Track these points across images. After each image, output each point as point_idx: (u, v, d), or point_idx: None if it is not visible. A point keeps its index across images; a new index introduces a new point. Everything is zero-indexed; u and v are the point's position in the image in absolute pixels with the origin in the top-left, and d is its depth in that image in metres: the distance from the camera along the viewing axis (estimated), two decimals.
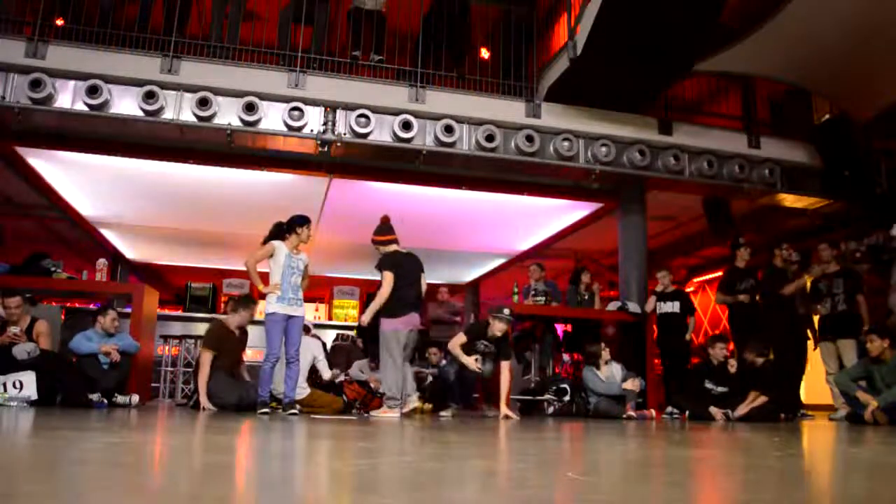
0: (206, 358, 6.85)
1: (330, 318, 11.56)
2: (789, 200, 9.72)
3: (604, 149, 8.64)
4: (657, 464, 3.04)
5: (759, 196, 9.61)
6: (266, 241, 6.48)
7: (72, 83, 7.53)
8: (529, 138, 8.43)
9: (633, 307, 8.81)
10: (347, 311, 11.29)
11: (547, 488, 2.15)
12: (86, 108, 7.48)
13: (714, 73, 9.33)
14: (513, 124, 8.54)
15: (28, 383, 6.05)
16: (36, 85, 7.32)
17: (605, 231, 10.67)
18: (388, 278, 6.60)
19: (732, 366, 7.78)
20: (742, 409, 7.26)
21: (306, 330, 7.47)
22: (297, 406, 6.39)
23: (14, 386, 6.01)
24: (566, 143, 8.55)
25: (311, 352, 7.29)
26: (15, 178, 9.35)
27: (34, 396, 6.03)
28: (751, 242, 9.01)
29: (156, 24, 8.18)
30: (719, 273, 12.80)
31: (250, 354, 7.49)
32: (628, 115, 8.90)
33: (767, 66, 8.76)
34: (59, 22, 8.07)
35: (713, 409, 7.37)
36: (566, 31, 8.21)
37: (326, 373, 7.36)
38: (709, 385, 7.69)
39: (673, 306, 8.70)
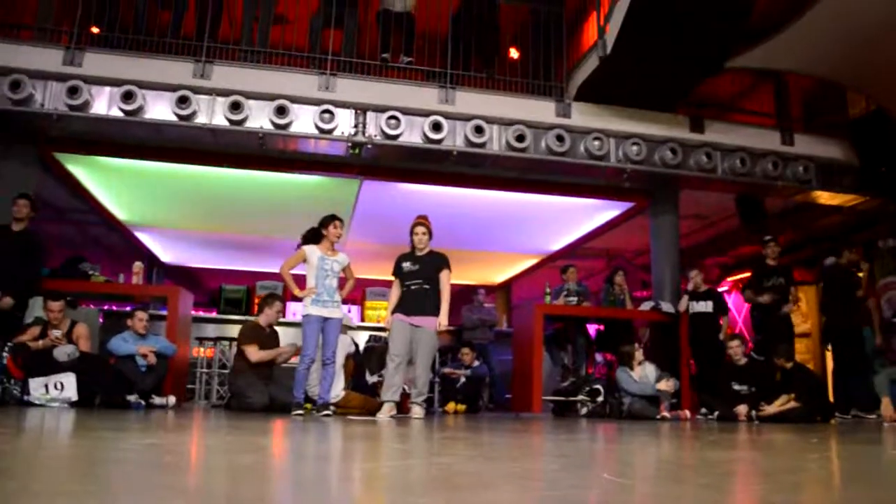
0: (252, 349, 7.04)
1: (362, 320, 11.59)
2: (824, 197, 9.58)
3: (635, 148, 8.59)
4: (692, 465, 3.02)
5: (794, 193, 9.49)
6: (299, 247, 6.56)
7: (107, 89, 7.67)
8: (560, 138, 8.40)
9: (666, 307, 8.75)
10: (380, 313, 11.29)
11: (581, 489, 2.15)
12: (121, 114, 7.62)
13: (746, 70, 9.22)
14: (543, 124, 8.51)
15: (69, 385, 6.18)
16: (73, 92, 7.46)
17: (637, 230, 10.60)
18: (450, 279, 6.59)
19: (737, 353, 7.76)
20: (769, 410, 7.20)
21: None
22: (331, 407, 6.44)
23: (55, 387, 6.14)
24: (597, 143, 8.51)
25: (344, 350, 7.34)
26: (54, 183, 9.52)
27: (74, 397, 6.16)
28: (775, 238, 8.87)
29: (188, 30, 8.30)
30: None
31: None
32: (659, 114, 8.84)
33: (801, 61, 8.63)
34: (95, 30, 8.21)
35: (738, 408, 7.35)
36: (596, 29, 8.18)
37: (347, 350, 7.43)
38: (735, 386, 7.65)
39: (706, 306, 8.62)
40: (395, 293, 6.67)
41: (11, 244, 6.94)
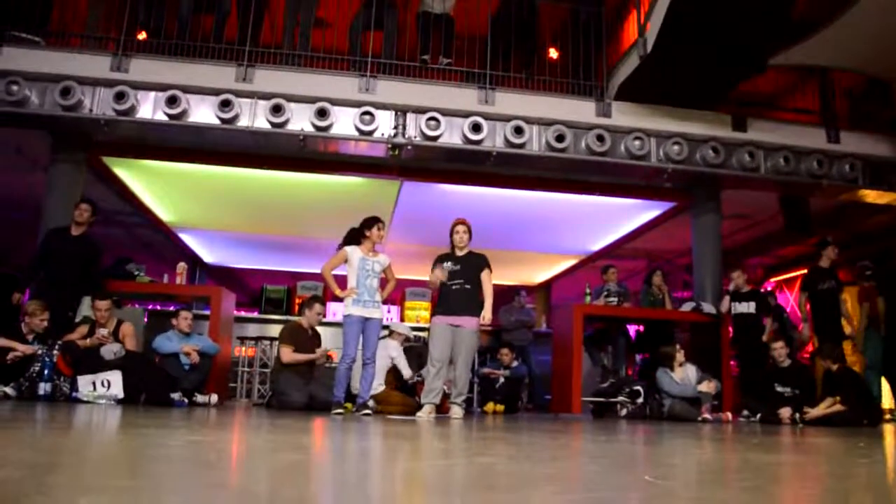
0: (287, 350, 7.16)
1: (402, 320, 11.65)
2: (872, 196, 9.36)
3: (676, 147, 8.49)
4: (735, 468, 2.99)
5: (840, 192, 9.29)
6: (340, 247, 6.62)
7: (152, 94, 7.82)
8: (600, 138, 8.35)
9: (707, 308, 8.63)
10: (419, 313, 11.35)
11: (621, 491, 2.14)
12: (165, 118, 7.76)
13: (790, 67, 9.06)
14: (583, 124, 8.46)
15: (115, 382, 6.31)
16: (120, 97, 7.63)
17: (679, 230, 10.49)
18: (491, 277, 6.60)
19: (781, 355, 7.63)
20: (814, 413, 7.08)
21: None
22: (371, 402, 6.48)
23: (102, 385, 6.27)
24: (637, 142, 8.44)
25: (389, 352, 7.40)
26: (102, 186, 9.73)
27: (120, 395, 6.29)
28: (837, 241, 8.72)
29: (230, 35, 8.42)
30: (797, 272, 12.46)
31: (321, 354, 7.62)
32: (701, 112, 8.73)
33: (846, 57, 8.46)
34: (141, 36, 8.37)
35: (781, 410, 7.24)
36: (636, 28, 8.11)
37: (406, 371, 7.46)
38: (779, 388, 7.53)
39: (748, 307, 8.48)
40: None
41: (74, 248, 7.12)
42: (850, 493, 2.28)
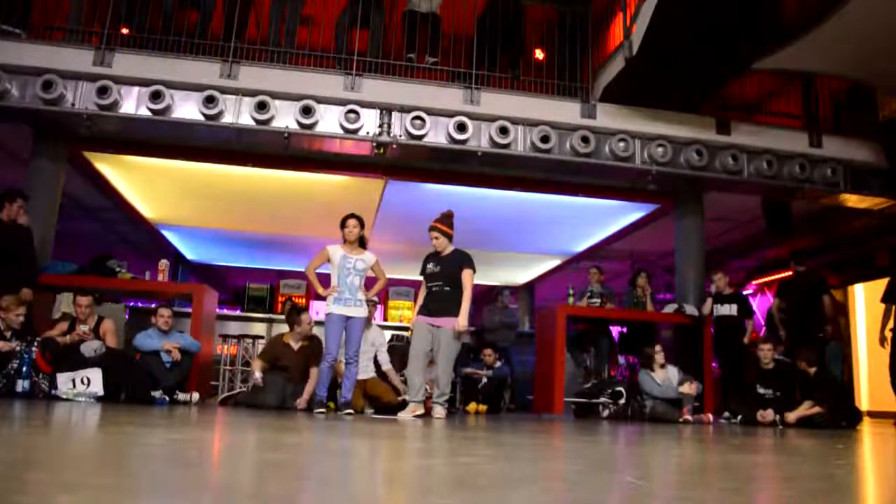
0: (256, 364, 7.18)
1: (385, 319, 11.63)
2: (852, 201, 9.44)
3: (660, 149, 8.53)
4: (716, 469, 3.00)
5: (821, 196, 9.36)
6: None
7: (136, 89, 7.75)
8: (585, 139, 8.37)
9: (689, 309, 8.68)
10: (403, 312, 11.35)
11: (603, 492, 2.14)
12: (149, 114, 7.69)
13: (774, 71, 9.12)
14: (568, 125, 8.48)
15: (95, 380, 6.26)
16: (103, 92, 7.55)
17: (662, 232, 10.53)
18: (472, 278, 6.49)
19: (766, 356, 7.69)
20: (791, 417, 7.14)
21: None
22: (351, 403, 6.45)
23: (82, 382, 6.22)
24: (622, 144, 8.47)
25: (373, 341, 7.40)
26: (83, 181, 9.65)
27: (100, 392, 6.24)
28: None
29: (215, 31, 8.37)
30: (779, 275, 12.55)
31: None
32: (685, 115, 8.76)
33: (829, 62, 8.51)
34: (125, 31, 8.31)
35: (761, 412, 7.29)
36: (622, 30, 8.14)
37: (386, 364, 7.44)
38: (760, 390, 7.59)
39: (730, 309, 8.54)
40: (421, 293, 6.66)
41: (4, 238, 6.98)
42: (828, 493, 2.30)
